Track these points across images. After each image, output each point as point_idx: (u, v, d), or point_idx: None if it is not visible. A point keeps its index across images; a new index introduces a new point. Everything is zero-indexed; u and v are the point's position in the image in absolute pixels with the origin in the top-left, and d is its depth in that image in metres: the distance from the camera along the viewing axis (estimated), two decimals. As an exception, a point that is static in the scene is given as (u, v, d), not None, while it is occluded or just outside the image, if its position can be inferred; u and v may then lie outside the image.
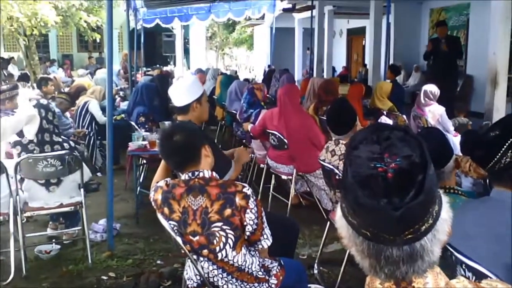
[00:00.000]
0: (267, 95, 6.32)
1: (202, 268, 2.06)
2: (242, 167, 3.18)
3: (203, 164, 2.08)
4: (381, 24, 8.11)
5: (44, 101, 3.73)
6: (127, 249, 3.74)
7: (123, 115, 6.32)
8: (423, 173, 0.83)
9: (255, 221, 1.98)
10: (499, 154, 1.58)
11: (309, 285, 2.50)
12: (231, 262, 2.01)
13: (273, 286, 2.11)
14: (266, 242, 2.07)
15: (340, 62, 15.78)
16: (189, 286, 2.18)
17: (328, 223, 3.25)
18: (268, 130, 4.39)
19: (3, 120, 3.39)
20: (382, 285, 0.93)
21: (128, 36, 9.03)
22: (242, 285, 2.06)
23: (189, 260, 2.12)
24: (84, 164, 3.67)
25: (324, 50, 10.55)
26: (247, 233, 2.00)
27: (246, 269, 2.05)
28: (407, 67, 11.53)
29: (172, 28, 16.38)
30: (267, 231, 2.07)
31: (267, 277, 2.11)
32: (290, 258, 2.50)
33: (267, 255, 2.18)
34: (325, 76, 10.15)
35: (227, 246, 1.97)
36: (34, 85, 9.33)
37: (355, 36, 15.75)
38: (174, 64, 18.01)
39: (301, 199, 4.65)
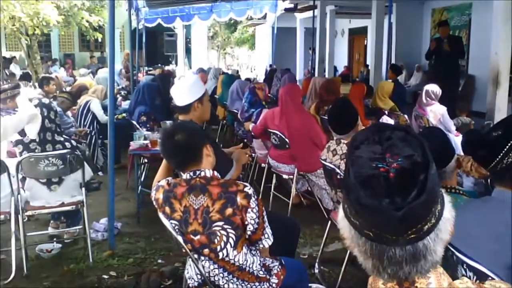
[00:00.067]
0: (269, 95, 6.32)
1: (203, 267, 2.06)
2: (243, 166, 3.18)
3: (204, 164, 2.08)
4: (383, 24, 8.11)
5: (46, 100, 3.73)
6: (128, 248, 3.74)
7: (124, 114, 6.32)
8: (425, 172, 0.83)
9: (256, 220, 1.98)
10: (501, 154, 1.57)
11: (310, 285, 2.50)
12: (232, 261, 2.01)
13: (274, 285, 2.11)
14: (267, 241, 2.07)
15: (341, 61, 15.78)
16: (190, 285, 2.18)
17: (329, 222, 3.24)
18: (269, 130, 4.39)
19: (4, 119, 3.39)
20: (384, 285, 0.92)
21: (130, 35, 9.01)
22: (243, 284, 2.06)
23: (190, 259, 2.12)
24: (85, 163, 3.67)
25: (326, 50, 10.54)
26: (248, 233, 2.00)
27: (247, 269, 2.05)
28: (408, 67, 11.52)
29: (174, 28, 16.39)
30: (268, 230, 2.07)
31: (268, 277, 2.11)
32: (291, 258, 2.49)
33: (268, 255, 2.18)
34: (326, 76, 10.14)
35: (228, 246, 1.97)
36: (36, 84, 9.35)
37: (356, 36, 15.75)
38: (176, 63, 18.02)
39: (302, 199, 4.65)
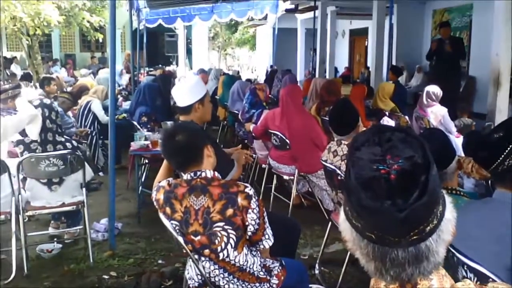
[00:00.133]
0: (269, 96, 6.32)
1: (204, 268, 2.06)
2: (243, 167, 3.18)
3: (205, 164, 2.08)
4: (383, 25, 8.10)
5: (47, 101, 3.73)
6: (128, 248, 3.74)
7: (125, 115, 6.33)
8: (426, 173, 0.83)
9: (257, 221, 1.98)
10: (503, 155, 1.58)
11: (310, 286, 2.50)
12: (232, 262, 2.01)
13: (274, 286, 2.11)
14: (268, 242, 2.07)
15: (342, 62, 15.78)
16: (190, 285, 2.18)
17: (330, 223, 3.24)
18: (270, 131, 4.39)
19: (5, 119, 3.39)
20: (387, 287, 0.92)
21: (131, 36, 9.03)
22: (243, 285, 2.06)
23: (190, 260, 2.12)
24: (86, 163, 3.67)
25: (327, 51, 10.54)
26: (249, 233, 2.00)
27: (248, 269, 2.05)
28: (409, 68, 11.51)
29: (175, 28, 16.41)
30: (268, 231, 2.07)
31: (268, 277, 2.11)
32: (291, 258, 2.49)
33: (268, 255, 2.18)
34: (327, 77, 10.14)
35: (229, 246, 1.97)
36: (37, 84, 9.37)
37: (357, 36, 15.74)
38: (177, 64, 18.04)
39: (303, 200, 4.65)
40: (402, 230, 0.83)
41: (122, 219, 4.30)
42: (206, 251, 2.01)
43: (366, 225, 0.86)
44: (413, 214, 0.82)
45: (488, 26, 6.39)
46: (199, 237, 2.00)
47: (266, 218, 2.05)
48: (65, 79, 12.24)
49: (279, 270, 2.15)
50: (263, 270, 2.11)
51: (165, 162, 2.40)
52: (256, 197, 2.01)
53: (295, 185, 4.30)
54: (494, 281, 1.31)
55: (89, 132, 5.77)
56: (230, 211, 1.95)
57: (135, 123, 5.33)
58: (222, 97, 7.36)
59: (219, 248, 1.98)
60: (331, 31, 11.57)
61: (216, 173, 2.09)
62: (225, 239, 1.96)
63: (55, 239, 3.87)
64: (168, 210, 2.05)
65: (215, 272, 2.05)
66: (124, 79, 10.57)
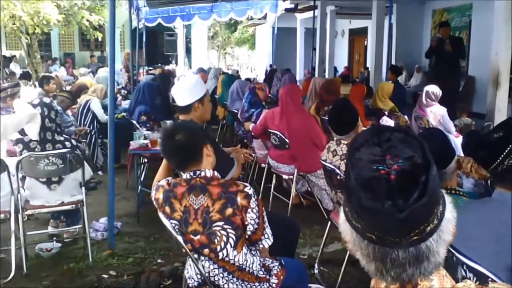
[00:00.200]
0: (269, 95, 6.32)
1: (203, 267, 2.06)
2: (243, 166, 3.18)
3: (204, 164, 2.08)
4: (383, 24, 8.10)
5: (47, 100, 3.73)
6: (127, 247, 3.74)
7: (124, 114, 6.32)
8: (426, 174, 0.83)
9: (256, 220, 1.98)
10: (503, 155, 1.58)
11: (309, 285, 2.50)
12: (232, 261, 2.01)
13: (273, 285, 2.11)
14: (267, 241, 2.07)
15: (342, 62, 15.77)
16: (190, 285, 2.18)
17: (329, 223, 3.24)
18: (269, 130, 4.39)
19: (4, 118, 3.39)
20: (387, 288, 0.92)
21: (130, 35, 9.02)
22: (242, 284, 2.06)
23: (190, 259, 2.12)
24: (85, 162, 3.67)
25: (326, 50, 10.54)
26: (248, 233, 2.00)
27: (247, 269, 2.05)
28: (409, 68, 11.51)
29: (174, 28, 16.38)
30: (268, 230, 2.07)
31: (267, 277, 2.11)
32: (290, 258, 2.50)
33: (268, 255, 2.18)
34: (326, 76, 10.14)
35: (228, 246, 1.97)
36: (36, 83, 9.35)
37: (357, 36, 15.74)
38: (176, 63, 18.03)
39: (302, 199, 4.64)
40: (403, 231, 0.83)
41: (121, 218, 4.30)
42: (206, 251, 2.01)
43: (366, 226, 0.86)
44: (413, 215, 0.82)
45: (488, 26, 6.40)
46: (198, 237, 2.00)
47: (265, 217, 2.05)
48: (64, 78, 12.24)
49: (278, 270, 2.15)
50: (263, 269, 2.11)
51: (164, 161, 2.40)
52: (256, 197, 2.01)
53: (295, 185, 4.30)
54: (493, 281, 1.31)
55: (88, 131, 5.76)
56: (229, 211, 1.95)
57: (134, 122, 5.32)
58: (221, 96, 7.36)
59: (218, 248, 1.98)
60: (330, 31, 11.57)
61: (216, 173, 2.09)
62: (224, 238, 1.96)
63: (55, 238, 3.86)
64: (167, 209, 2.05)
65: (214, 271, 2.05)
66: (122, 77, 10.56)
